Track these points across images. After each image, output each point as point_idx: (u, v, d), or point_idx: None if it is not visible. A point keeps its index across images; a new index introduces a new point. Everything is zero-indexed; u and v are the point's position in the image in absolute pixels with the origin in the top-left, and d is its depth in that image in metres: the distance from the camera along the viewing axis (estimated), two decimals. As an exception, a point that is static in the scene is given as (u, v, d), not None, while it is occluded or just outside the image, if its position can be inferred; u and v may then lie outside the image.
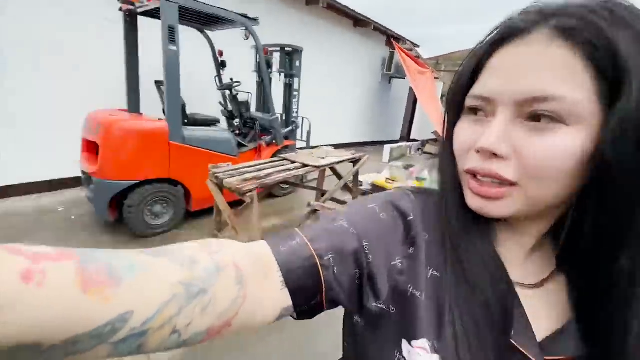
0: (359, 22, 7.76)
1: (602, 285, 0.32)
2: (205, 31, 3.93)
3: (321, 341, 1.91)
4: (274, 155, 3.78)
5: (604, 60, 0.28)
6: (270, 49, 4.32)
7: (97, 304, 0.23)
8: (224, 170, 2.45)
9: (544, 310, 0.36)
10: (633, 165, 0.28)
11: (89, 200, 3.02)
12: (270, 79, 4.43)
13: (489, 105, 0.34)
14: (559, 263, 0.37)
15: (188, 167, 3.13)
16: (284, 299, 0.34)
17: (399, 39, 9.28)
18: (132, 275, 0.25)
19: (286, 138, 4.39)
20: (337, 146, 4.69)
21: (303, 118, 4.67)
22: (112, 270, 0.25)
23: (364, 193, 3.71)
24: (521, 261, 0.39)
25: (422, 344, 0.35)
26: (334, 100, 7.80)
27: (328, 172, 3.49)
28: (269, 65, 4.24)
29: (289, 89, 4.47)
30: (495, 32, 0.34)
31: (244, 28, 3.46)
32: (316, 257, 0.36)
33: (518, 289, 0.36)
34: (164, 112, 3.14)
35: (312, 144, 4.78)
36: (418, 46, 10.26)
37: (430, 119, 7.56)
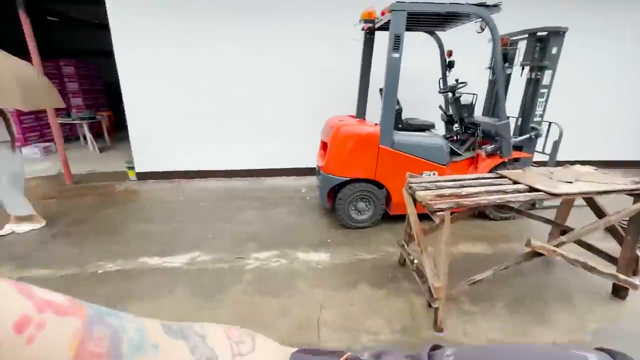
0: None
1: None
2: (436, 33, 3.78)
3: None
4: (493, 170, 3.09)
5: None
6: (513, 37, 3.50)
7: None
8: (420, 182, 2.27)
9: None
10: None
11: (318, 188, 3.83)
12: (508, 76, 3.61)
13: None
14: None
15: (393, 171, 3.20)
16: None
17: None
18: (135, 354, 0.23)
19: (518, 149, 3.46)
20: (603, 165, 3.13)
21: (550, 123, 3.47)
22: (116, 342, 0.22)
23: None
24: None
25: None
26: (608, 98, 5.27)
27: (580, 201, 2.40)
28: (506, 59, 3.47)
29: (533, 85, 3.45)
30: None
31: (479, 19, 2.99)
32: None
33: None
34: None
35: (561, 158, 3.48)
36: None
37: None
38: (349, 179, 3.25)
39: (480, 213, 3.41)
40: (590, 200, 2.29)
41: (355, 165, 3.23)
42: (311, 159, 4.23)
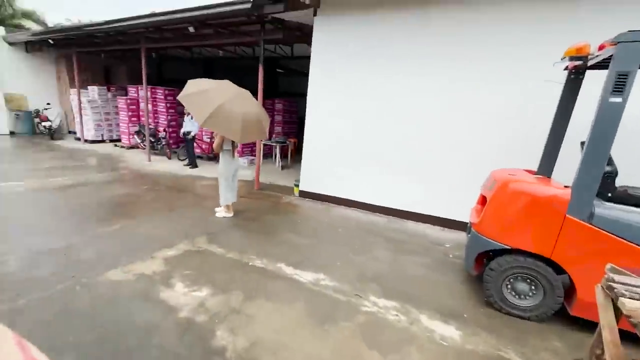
0: None
1: None
2: None
3: None
4: None
5: None
6: None
7: None
8: (632, 284, 1.48)
9: None
10: None
11: (465, 247, 3.24)
12: None
13: None
14: None
15: (584, 255, 2.29)
16: None
17: None
18: None
19: None
20: None
21: None
22: None
23: None
24: None
25: None
26: None
27: None
28: None
29: None
30: None
31: None
32: None
33: None
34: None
35: None
36: None
37: None
38: (509, 247, 2.57)
39: None
40: None
41: (522, 233, 2.52)
42: (464, 212, 3.67)
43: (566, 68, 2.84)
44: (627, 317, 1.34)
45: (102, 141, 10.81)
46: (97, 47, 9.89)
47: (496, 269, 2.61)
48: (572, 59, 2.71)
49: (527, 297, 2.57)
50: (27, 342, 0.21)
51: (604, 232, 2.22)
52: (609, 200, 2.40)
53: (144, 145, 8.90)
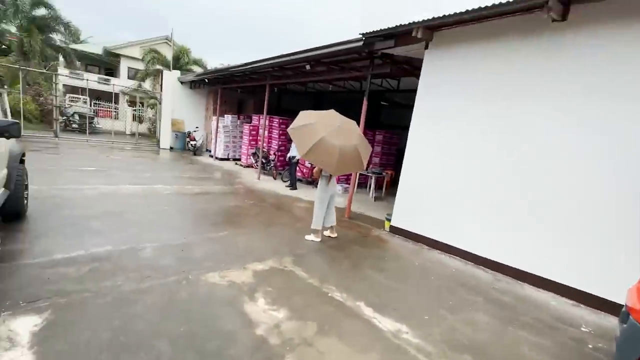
0: None
1: None
2: None
3: None
4: None
5: None
6: None
7: None
8: None
9: None
10: None
11: (616, 342, 2.34)
12: None
13: None
14: None
15: None
16: None
17: None
18: None
19: None
20: None
21: None
22: None
23: None
24: None
25: None
26: None
27: None
28: None
29: None
30: None
31: None
32: None
33: None
34: None
35: None
36: None
37: None
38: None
39: None
40: None
41: None
42: (615, 288, 2.71)
43: None
44: None
45: (228, 159, 12.97)
46: (235, 84, 12.23)
47: (675, 389, 1.75)
48: None
49: None
50: None
51: None
52: None
53: (257, 165, 10.21)
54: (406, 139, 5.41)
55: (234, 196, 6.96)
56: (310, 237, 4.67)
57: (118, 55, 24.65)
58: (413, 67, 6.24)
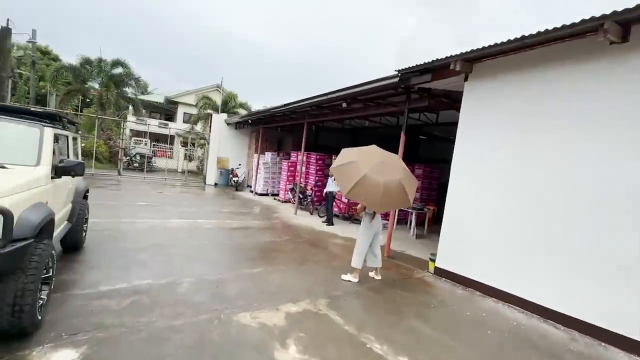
0: None
1: None
2: None
3: None
4: None
5: None
6: None
7: None
8: None
9: None
10: None
11: None
12: None
13: None
14: None
15: None
16: None
17: None
18: None
19: None
20: None
21: None
22: None
23: None
24: None
25: None
26: None
27: None
28: None
29: None
30: None
31: None
32: None
33: None
34: None
35: None
36: None
37: None
38: None
39: None
40: None
41: None
42: None
43: None
44: None
45: (267, 194, 13.34)
46: (275, 124, 12.94)
47: None
48: None
49: None
50: None
51: None
52: None
53: (294, 200, 10.32)
54: (448, 173, 5.10)
55: (271, 231, 6.98)
56: (347, 276, 4.41)
57: (176, 103, 27.87)
58: (452, 100, 6.08)
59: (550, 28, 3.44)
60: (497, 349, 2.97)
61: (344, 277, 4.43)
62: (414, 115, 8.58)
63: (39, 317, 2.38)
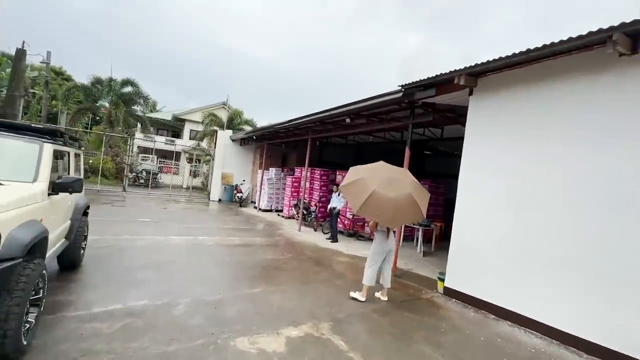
0: None
1: None
2: None
3: None
4: None
5: None
6: None
7: None
8: None
9: None
10: None
11: None
12: None
13: None
14: None
15: None
16: None
17: None
18: None
19: None
20: None
21: None
22: None
23: None
24: None
25: None
26: None
27: None
28: None
29: None
30: None
31: None
32: None
33: None
34: None
35: None
36: None
37: None
38: None
39: None
40: None
41: None
42: None
43: None
44: None
45: (270, 210, 13.21)
46: (279, 140, 12.99)
47: None
48: None
49: None
50: None
51: None
52: None
53: (298, 216, 10.16)
54: (455, 188, 4.95)
55: (273, 248, 6.81)
56: (355, 294, 4.25)
57: (183, 120, 28.38)
58: (457, 115, 6.01)
59: (556, 41, 3.39)
60: (516, 380, 2.73)
61: (352, 294, 4.26)
62: (418, 130, 8.52)
63: (25, 342, 2.25)
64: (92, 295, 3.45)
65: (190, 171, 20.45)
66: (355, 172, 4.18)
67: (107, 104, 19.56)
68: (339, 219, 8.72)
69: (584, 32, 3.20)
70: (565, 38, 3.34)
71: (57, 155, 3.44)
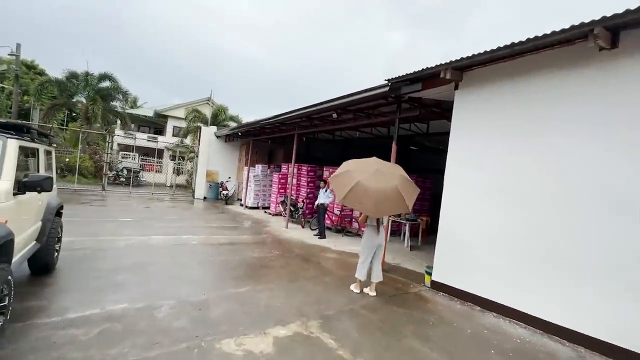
0: None
1: None
2: None
3: None
4: None
5: None
6: None
7: None
8: None
9: None
10: None
11: None
12: None
13: None
14: None
15: None
16: None
17: None
18: None
19: None
20: None
21: None
22: None
23: None
24: None
25: None
26: None
27: None
28: None
29: None
30: None
31: None
32: None
33: None
34: None
35: None
36: None
37: None
38: None
39: None
40: None
41: None
42: None
43: None
44: None
45: (257, 208, 13.03)
46: (265, 136, 12.79)
47: None
48: None
49: None
50: None
51: None
52: None
53: (285, 213, 10.06)
54: (441, 183, 4.98)
55: (260, 246, 6.69)
56: (352, 286, 4.50)
57: (166, 117, 27.55)
58: (443, 110, 6.04)
59: (540, 35, 3.41)
60: (503, 371, 2.75)
61: (352, 286, 4.51)
62: (404, 125, 8.55)
63: (-12, 354, 2.08)
64: (67, 300, 3.26)
65: (174, 169, 19.89)
66: (346, 165, 4.38)
67: (84, 100, 18.71)
68: (326, 215, 8.67)
69: (567, 26, 3.23)
70: (548, 32, 3.36)
71: (25, 152, 3.21)
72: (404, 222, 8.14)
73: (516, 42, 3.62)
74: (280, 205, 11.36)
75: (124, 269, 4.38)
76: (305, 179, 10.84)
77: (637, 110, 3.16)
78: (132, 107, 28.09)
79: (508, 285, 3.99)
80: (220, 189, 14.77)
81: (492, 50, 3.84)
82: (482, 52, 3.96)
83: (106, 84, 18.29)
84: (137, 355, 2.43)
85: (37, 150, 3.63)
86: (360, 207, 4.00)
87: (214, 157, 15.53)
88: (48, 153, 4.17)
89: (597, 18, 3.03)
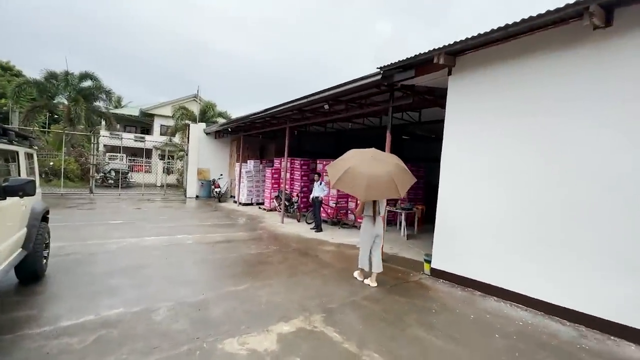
0: None
1: None
2: None
3: None
4: None
5: None
6: None
7: None
8: None
9: None
10: None
11: None
12: None
13: None
14: None
15: None
16: None
17: None
18: None
19: None
20: None
21: None
22: None
23: None
24: None
25: None
26: None
27: None
28: None
29: None
30: None
31: None
32: None
33: None
34: None
35: None
36: None
37: None
38: None
39: None
40: None
41: None
42: None
43: None
44: None
45: (251, 204, 12.89)
46: (256, 131, 12.58)
47: None
48: None
49: None
50: None
51: None
52: None
53: (280, 208, 9.96)
54: (433, 172, 4.95)
55: (257, 242, 6.60)
56: (355, 274, 4.65)
57: (152, 115, 26.90)
58: (436, 97, 5.99)
59: (534, 15, 3.36)
60: (510, 354, 2.76)
61: (355, 274, 4.65)
62: (397, 114, 8.49)
63: (-24, 370, 1.96)
64: (58, 308, 3.13)
65: (164, 168, 19.49)
66: (345, 154, 4.55)
67: (65, 101, 18.07)
68: (322, 208, 8.61)
69: (561, 5, 3.18)
70: (543, 12, 3.31)
71: (4, 156, 3.02)
72: (400, 211, 8.14)
73: (510, 23, 3.56)
74: (274, 200, 11.25)
75: (118, 272, 4.25)
76: (298, 172, 10.73)
77: (631, 84, 3.14)
78: (116, 107, 27.32)
79: (506, 268, 4.01)
80: (213, 187, 14.54)
81: (486, 33, 3.78)
82: (475, 35, 3.89)
83: (88, 83, 17.69)
84: (137, 361, 2.34)
85: (17, 153, 3.44)
86: (351, 191, 4.16)
87: (204, 154, 15.24)
88: (29, 156, 3.97)
89: (592, -5, 2.98)
